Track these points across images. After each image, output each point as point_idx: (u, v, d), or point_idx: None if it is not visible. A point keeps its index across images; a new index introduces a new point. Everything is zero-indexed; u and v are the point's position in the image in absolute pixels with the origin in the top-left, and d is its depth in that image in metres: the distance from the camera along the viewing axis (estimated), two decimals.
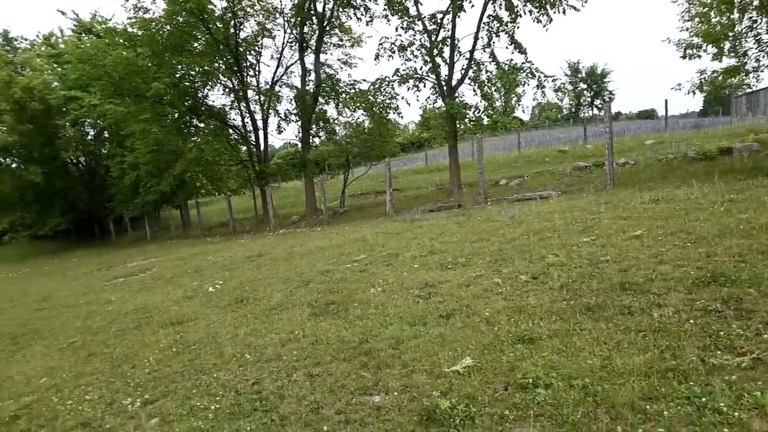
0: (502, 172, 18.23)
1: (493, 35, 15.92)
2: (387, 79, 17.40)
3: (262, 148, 22.94)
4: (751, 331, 3.00)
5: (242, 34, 21.87)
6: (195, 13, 18.29)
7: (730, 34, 12.19)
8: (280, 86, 23.17)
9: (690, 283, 3.87)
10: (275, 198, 22.18)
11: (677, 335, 3.10)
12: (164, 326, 6.03)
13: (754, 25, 11.97)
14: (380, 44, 17.16)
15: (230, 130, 23.12)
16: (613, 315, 3.58)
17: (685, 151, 13.05)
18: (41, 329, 7.51)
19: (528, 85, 15.79)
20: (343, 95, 20.96)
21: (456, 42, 16.20)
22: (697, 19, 12.71)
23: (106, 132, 30.34)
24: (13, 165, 30.31)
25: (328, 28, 21.13)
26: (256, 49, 22.62)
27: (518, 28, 15.69)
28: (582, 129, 26.90)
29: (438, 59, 16.26)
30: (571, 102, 67.05)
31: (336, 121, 22.39)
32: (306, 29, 21.12)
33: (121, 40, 20.01)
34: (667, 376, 2.67)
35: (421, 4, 20.75)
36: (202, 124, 23.56)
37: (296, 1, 20.14)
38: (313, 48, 21.11)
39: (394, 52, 17.01)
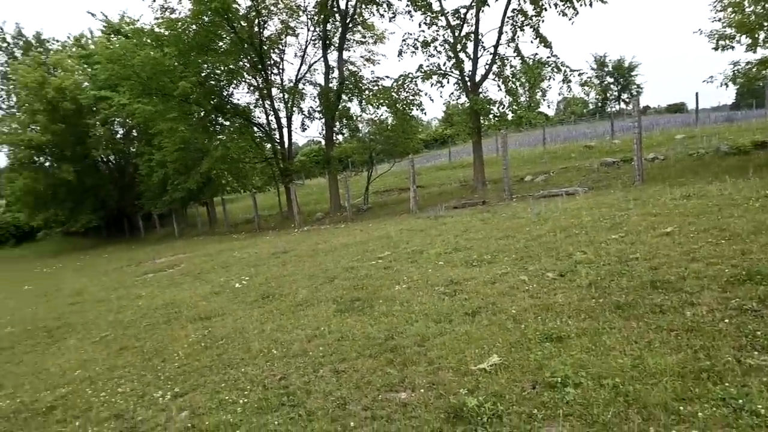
0: (527, 168, 18.03)
1: (518, 29, 15.72)
2: (410, 75, 17.38)
3: (286, 145, 23.11)
4: None
5: (266, 33, 22.04)
6: (220, 12, 18.49)
7: (765, 23, 11.80)
8: (304, 84, 23.37)
9: (724, 282, 3.77)
10: (299, 195, 22.35)
11: (711, 335, 3.03)
12: (193, 321, 6.14)
13: None
14: (403, 40, 17.12)
15: (255, 128, 23.34)
16: (644, 313, 3.51)
17: (718, 145, 12.70)
18: (75, 323, 7.72)
19: (553, 79, 15.60)
20: (367, 92, 20.95)
21: (480, 37, 16.06)
22: (730, 9, 12.36)
23: (134, 131, 30.97)
24: (47, 164, 31.14)
25: (351, 25, 21.15)
26: (280, 47, 22.78)
27: (543, 21, 15.51)
28: (608, 124, 26.38)
29: (461, 55, 16.16)
30: (597, 96, 65.76)
31: (359, 118, 22.45)
32: (329, 27, 21.18)
33: (149, 41, 20.34)
34: (701, 377, 2.61)
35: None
36: (227, 123, 23.83)
37: None
38: (336, 45, 21.16)
39: (417, 48, 16.94)
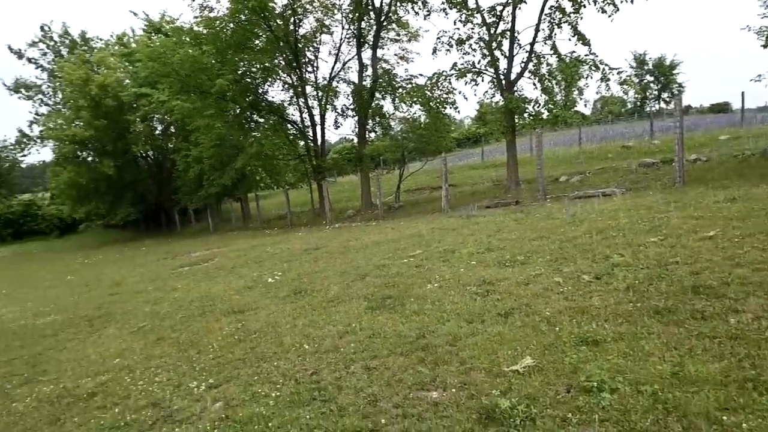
0: (562, 169, 17.70)
1: (555, 26, 15.40)
2: (444, 73, 17.23)
3: (319, 142, 23.31)
4: None
5: (301, 31, 22.26)
6: (257, 10, 18.76)
7: None
8: (338, 82, 23.47)
9: None
10: (331, 192, 22.51)
11: (757, 343, 2.91)
12: (226, 314, 6.26)
13: None
14: (438, 38, 16.98)
15: (289, 126, 23.61)
16: (685, 319, 3.40)
17: (765, 146, 12.19)
18: (114, 313, 7.97)
19: (591, 77, 15.22)
20: (400, 90, 20.94)
21: (516, 34, 15.81)
22: None
23: (172, 127, 31.75)
24: (89, 158, 32.22)
25: (385, 23, 21.14)
26: (315, 45, 22.97)
27: (581, 18, 15.11)
28: (647, 124, 25.65)
29: (497, 52, 15.93)
30: (636, 95, 63.90)
31: (392, 116, 22.45)
32: (363, 25, 21.24)
33: (188, 39, 20.81)
34: (745, 386, 2.52)
35: None
36: (262, 120, 24.19)
37: None
38: (371, 43, 21.20)
39: (451, 46, 16.78)
